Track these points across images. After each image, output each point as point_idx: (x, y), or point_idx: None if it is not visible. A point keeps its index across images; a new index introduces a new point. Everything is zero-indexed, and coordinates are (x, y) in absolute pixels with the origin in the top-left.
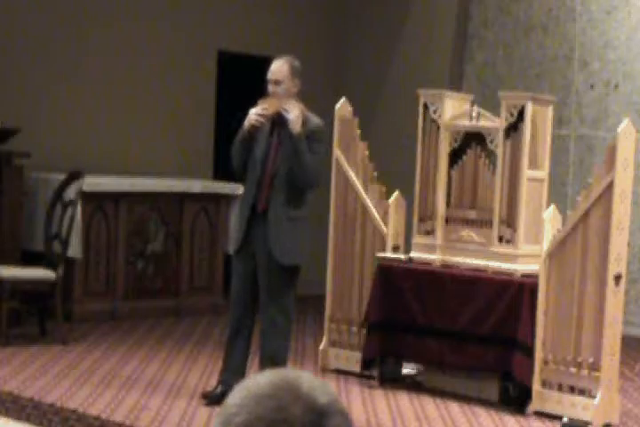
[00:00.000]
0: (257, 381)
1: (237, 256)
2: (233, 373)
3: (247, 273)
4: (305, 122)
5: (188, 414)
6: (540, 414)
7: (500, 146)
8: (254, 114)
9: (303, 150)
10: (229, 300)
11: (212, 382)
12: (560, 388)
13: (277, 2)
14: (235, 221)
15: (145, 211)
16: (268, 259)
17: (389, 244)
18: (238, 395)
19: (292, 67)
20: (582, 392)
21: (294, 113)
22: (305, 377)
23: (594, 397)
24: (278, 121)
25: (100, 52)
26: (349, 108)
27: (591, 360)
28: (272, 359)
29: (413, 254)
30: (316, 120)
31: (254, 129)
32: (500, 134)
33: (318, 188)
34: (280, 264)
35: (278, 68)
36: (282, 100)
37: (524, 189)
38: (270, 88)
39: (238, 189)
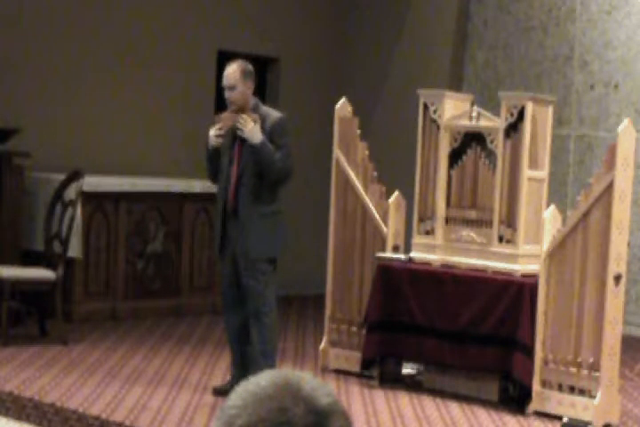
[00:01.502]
0: (258, 382)
1: (222, 259)
2: (242, 368)
3: (231, 274)
4: (264, 121)
5: (188, 414)
6: (540, 414)
7: (499, 146)
8: (213, 136)
9: (267, 156)
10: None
11: (212, 382)
12: (560, 388)
13: (277, 2)
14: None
15: (145, 211)
16: (245, 256)
17: (389, 244)
18: (239, 396)
19: (243, 70)
20: (582, 392)
21: (248, 127)
22: (306, 378)
23: (594, 397)
24: (236, 130)
25: (100, 53)
26: (349, 108)
27: (591, 360)
28: (262, 360)
29: (413, 254)
30: (274, 114)
31: (217, 147)
32: (500, 134)
33: (293, 179)
34: (256, 259)
35: (230, 73)
36: (235, 113)
37: (524, 189)
38: (226, 94)
39: None
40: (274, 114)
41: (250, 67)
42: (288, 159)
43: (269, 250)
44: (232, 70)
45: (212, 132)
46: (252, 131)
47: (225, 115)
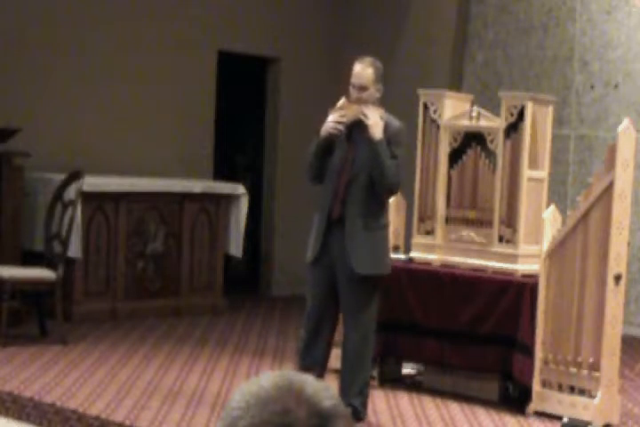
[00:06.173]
0: (261, 384)
1: (315, 265)
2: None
3: (325, 283)
4: (386, 126)
5: (188, 414)
6: (540, 414)
7: (499, 146)
8: (332, 122)
9: (384, 157)
10: (306, 310)
11: (213, 382)
12: (560, 388)
13: (277, 2)
14: (313, 229)
15: (145, 211)
16: (346, 269)
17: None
18: (242, 398)
19: (377, 70)
20: (582, 392)
21: (374, 119)
22: (309, 380)
23: (594, 397)
24: (355, 127)
25: (100, 52)
26: None
27: (591, 360)
28: (359, 389)
29: (413, 254)
30: (396, 123)
31: (333, 137)
32: (500, 134)
33: (398, 193)
34: (358, 275)
35: (364, 72)
36: (360, 105)
37: (524, 189)
38: (354, 93)
39: (238, 189)
40: (395, 122)
41: (381, 67)
42: (399, 170)
43: (377, 266)
44: (365, 68)
45: (332, 117)
46: (378, 124)
47: (347, 104)
